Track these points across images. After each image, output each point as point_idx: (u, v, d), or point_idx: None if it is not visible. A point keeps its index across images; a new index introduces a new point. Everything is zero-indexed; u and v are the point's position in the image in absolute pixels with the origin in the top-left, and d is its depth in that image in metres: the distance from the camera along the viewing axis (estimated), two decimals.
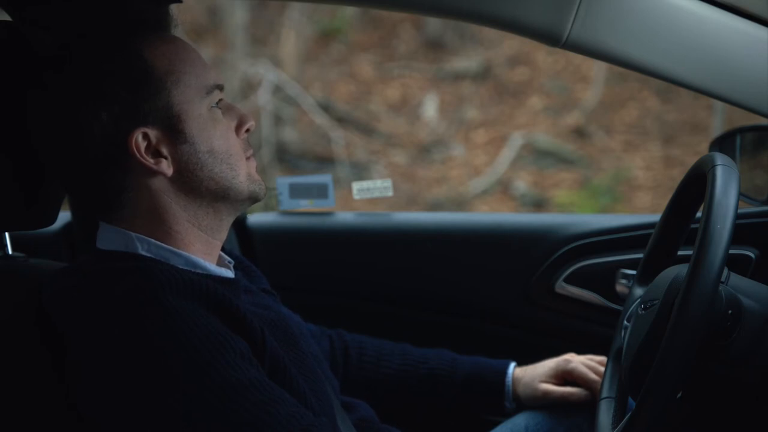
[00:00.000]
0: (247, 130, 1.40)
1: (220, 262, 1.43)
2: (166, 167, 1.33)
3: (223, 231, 1.40)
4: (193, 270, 1.34)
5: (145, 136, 1.32)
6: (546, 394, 1.70)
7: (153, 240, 1.34)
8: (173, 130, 1.33)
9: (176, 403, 1.19)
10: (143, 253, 1.33)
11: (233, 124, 1.39)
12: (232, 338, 1.24)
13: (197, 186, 1.35)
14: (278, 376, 1.31)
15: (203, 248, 1.37)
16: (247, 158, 1.40)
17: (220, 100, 1.38)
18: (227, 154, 1.36)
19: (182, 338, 1.20)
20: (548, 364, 1.73)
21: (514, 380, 1.73)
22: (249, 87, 6.12)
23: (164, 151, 1.33)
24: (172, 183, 1.34)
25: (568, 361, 1.72)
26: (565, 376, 1.72)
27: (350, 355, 1.74)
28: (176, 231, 1.35)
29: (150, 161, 1.32)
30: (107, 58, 1.32)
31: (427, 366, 1.74)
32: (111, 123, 1.30)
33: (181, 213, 1.35)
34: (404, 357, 1.75)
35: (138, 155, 1.31)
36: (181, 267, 1.33)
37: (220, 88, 1.38)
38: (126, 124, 1.31)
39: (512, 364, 1.75)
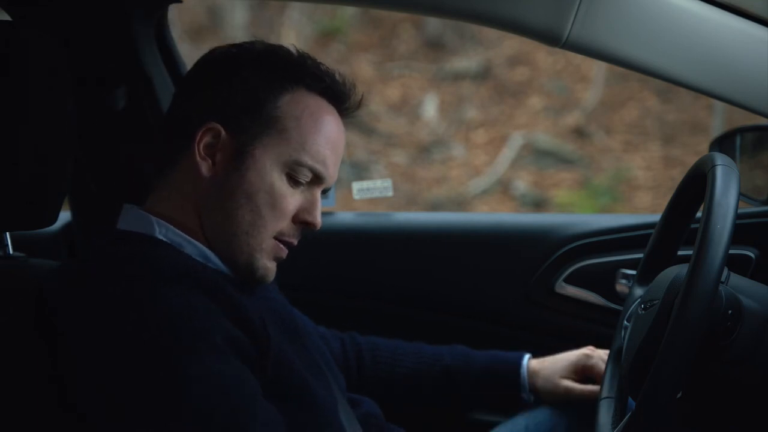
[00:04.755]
0: (306, 223, 1.39)
1: None
2: (206, 167, 1.35)
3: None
4: (204, 262, 1.35)
5: (217, 134, 1.34)
6: (567, 392, 1.70)
7: (172, 227, 1.36)
8: (240, 154, 1.35)
9: (160, 400, 1.19)
10: (159, 236, 1.35)
11: (297, 206, 1.38)
12: (225, 330, 1.24)
13: (218, 206, 1.36)
14: (283, 368, 1.31)
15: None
16: (280, 240, 1.38)
17: (312, 182, 1.38)
18: (259, 216, 1.35)
19: (174, 332, 1.21)
20: (569, 358, 1.72)
21: (532, 372, 1.73)
22: None
23: (218, 156, 1.35)
24: (204, 185, 1.36)
25: (588, 357, 1.72)
26: (585, 372, 1.71)
27: (363, 357, 1.73)
28: (196, 227, 1.37)
29: (200, 151, 1.35)
30: (270, 65, 1.37)
31: (441, 363, 1.74)
32: (212, 102, 1.36)
33: (197, 215, 1.37)
34: (418, 355, 1.75)
35: (195, 139, 1.35)
36: (194, 257, 1.34)
37: (317, 175, 1.37)
38: (217, 113, 1.35)
39: (527, 356, 1.75)
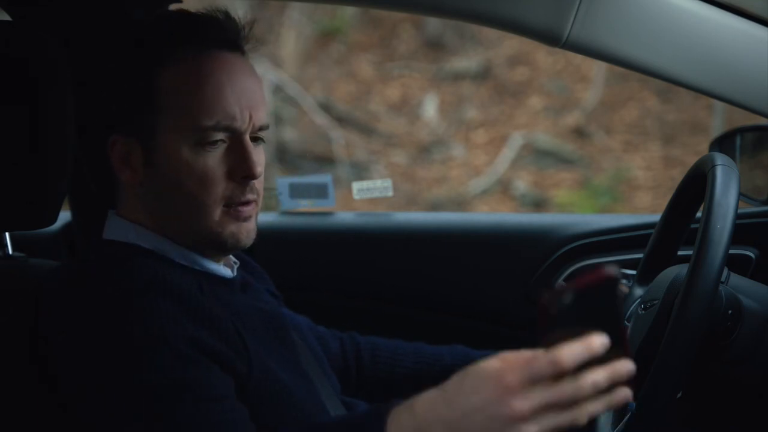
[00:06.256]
0: (245, 178, 1.32)
1: (226, 261, 1.42)
2: (130, 177, 1.33)
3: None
4: (189, 265, 1.35)
5: (123, 143, 1.33)
6: None
7: (151, 233, 1.35)
8: (149, 152, 1.32)
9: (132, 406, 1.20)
10: (142, 244, 1.34)
11: (227, 167, 1.31)
12: (194, 338, 1.23)
13: (158, 207, 1.34)
14: (261, 371, 1.30)
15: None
16: (233, 204, 1.32)
17: (232, 137, 1.32)
18: (193, 198, 1.31)
19: (150, 342, 1.21)
20: None
21: None
22: None
23: (133, 162, 1.33)
24: (140, 192, 1.35)
25: None
26: None
27: (362, 357, 1.73)
28: (168, 230, 1.35)
29: (118, 165, 1.34)
30: (136, 51, 1.33)
31: (441, 363, 1.73)
32: (106, 113, 1.35)
33: (154, 221, 1.35)
34: (418, 355, 1.74)
35: (110, 155, 1.33)
36: (178, 261, 1.34)
37: (228, 128, 1.30)
38: (113, 123, 1.34)
39: None
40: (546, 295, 0.97)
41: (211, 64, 1.31)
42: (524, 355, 1.03)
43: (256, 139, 1.35)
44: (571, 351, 1.00)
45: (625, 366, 1.02)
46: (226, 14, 1.35)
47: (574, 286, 0.97)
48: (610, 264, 1.15)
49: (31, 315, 1.31)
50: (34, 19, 1.70)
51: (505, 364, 1.04)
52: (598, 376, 1.01)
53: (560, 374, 1.01)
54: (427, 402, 1.10)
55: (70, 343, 1.25)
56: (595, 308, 0.99)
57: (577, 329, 0.99)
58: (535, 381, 1.02)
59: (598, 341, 1.00)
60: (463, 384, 1.08)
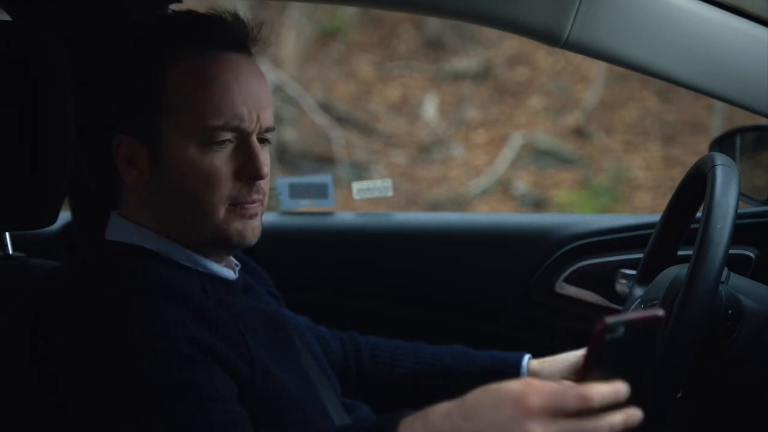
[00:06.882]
0: (252, 178, 1.32)
1: (227, 263, 1.42)
2: (134, 177, 1.33)
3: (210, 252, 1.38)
4: (193, 267, 1.35)
5: (128, 143, 1.33)
6: None
7: (155, 234, 1.35)
8: (154, 151, 1.32)
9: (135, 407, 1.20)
10: (146, 245, 1.34)
11: (234, 167, 1.32)
12: (196, 339, 1.23)
13: (163, 208, 1.34)
14: (264, 373, 1.30)
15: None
16: (238, 204, 1.32)
17: (238, 137, 1.32)
18: (198, 198, 1.31)
19: (152, 343, 1.21)
20: (569, 359, 1.71)
21: (532, 373, 1.71)
22: None
23: (138, 163, 1.33)
24: (143, 193, 1.34)
25: None
26: None
27: (362, 357, 1.73)
28: (172, 231, 1.35)
29: (122, 166, 1.33)
30: (140, 53, 1.33)
31: (441, 363, 1.73)
32: (110, 113, 1.34)
33: (158, 222, 1.35)
34: (418, 355, 1.74)
35: (115, 155, 1.33)
36: (182, 263, 1.34)
37: (235, 129, 1.31)
38: (117, 122, 1.33)
39: (526, 357, 1.74)
40: (600, 323, 0.98)
41: (217, 65, 1.31)
42: (552, 384, 1.05)
43: (262, 141, 1.35)
44: (601, 391, 1.02)
45: (637, 415, 1.04)
46: (235, 15, 1.36)
47: (627, 320, 1.00)
48: (660, 308, 1.16)
49: (31, 315, 1.31)
50: (34, 19, 1.70)
51: (529, 387, 1.05)
52: (616, 419, 1.04)
53: (582, 411, 1.03)
54: (442, 412, 1.10)
55: (70, 343, 1.25)
56: (638, 344, 1.02)
57: (617, 360, 1.02)
58: (557, 411, 1.03)
59: (625, 388, 1.03)
60: (483, 398, 1.08)
